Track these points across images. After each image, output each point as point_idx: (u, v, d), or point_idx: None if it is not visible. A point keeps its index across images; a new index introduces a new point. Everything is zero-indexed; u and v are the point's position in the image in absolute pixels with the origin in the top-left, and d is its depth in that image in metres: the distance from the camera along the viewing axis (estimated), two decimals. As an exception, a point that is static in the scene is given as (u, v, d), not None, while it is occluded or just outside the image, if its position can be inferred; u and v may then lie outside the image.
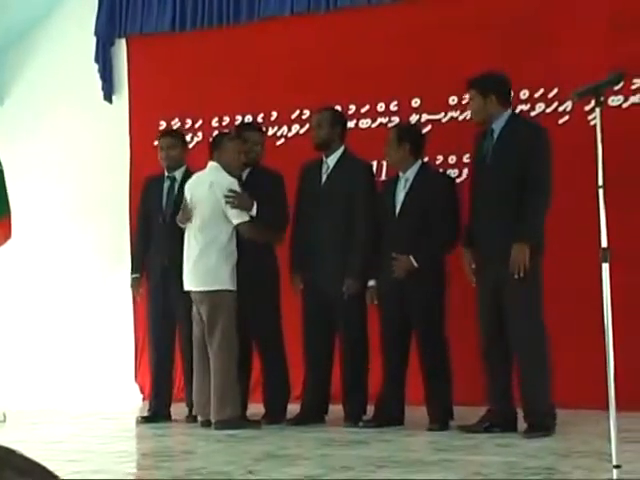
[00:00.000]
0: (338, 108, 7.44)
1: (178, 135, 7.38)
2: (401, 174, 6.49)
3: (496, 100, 6.02)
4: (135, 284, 7.24)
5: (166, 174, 7.15)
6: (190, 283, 6.57)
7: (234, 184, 6.55)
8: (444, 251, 6.37)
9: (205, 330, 6.51)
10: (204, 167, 6.92)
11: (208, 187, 6.53)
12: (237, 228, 6.51)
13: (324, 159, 6.73)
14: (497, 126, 6.02)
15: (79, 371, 8.95)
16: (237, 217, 6.49)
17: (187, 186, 6.73)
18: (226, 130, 7.75)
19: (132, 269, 7.28)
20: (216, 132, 7.56)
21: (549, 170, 5.86)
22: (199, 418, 6.67)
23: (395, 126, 7.02)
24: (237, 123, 8.09)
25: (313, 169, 6.79)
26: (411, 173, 6.45)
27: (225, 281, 6.47)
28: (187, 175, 7.02)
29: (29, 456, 0.94)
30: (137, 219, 7.48)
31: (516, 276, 5.74)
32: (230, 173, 6.60)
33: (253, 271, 6.63)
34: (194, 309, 6.60)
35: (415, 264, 6.29)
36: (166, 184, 7.12)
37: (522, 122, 6.19)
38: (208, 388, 6.48)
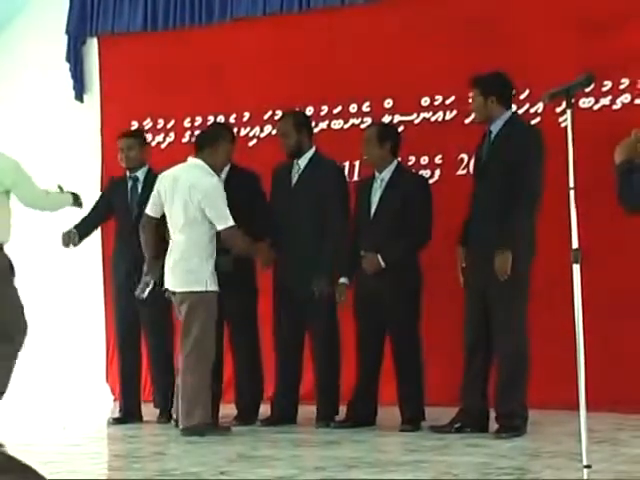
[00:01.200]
0: (309, 110, 7.47)
1: (136, 135, 7.33)
2: (377, 174, 6.51)
3: (497, 101, 6.05)
4: (67, 236, 7.02)
5: (128, 174, 7.14)
6: (171, 284, 6.45)
7: (215, 186, 6.36)
8: (416, 250, 6.39)
9: (182, 330, 6.41)
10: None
11: (187, 190, 6.36)
12: (220, 234, 6.34)
13: (295, 160, 6.73)
14: (495, 128, 6.06)
15: (50, 372, 8.91)
16: (221, 222, 6.31)
17: (160, 181, 6.55)
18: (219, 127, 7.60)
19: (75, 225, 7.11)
20: (207, 127, 7.35)
21: (538, 175, 5.89)
22: (175, 421, 6.53)
23: (374, 125, 6.99)
24: (209, 123, 8.10)
25: (284, 171, 6.79)
26: (387, 173, 6.47)
27: (206, 282, 6.35)
28: (150, 174, 7.04)
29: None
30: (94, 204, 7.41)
31: (501, 279, 5.77)
32: (215, 171, 6.45)
33: (230, 270, 6.60)
34: (176, 311, 6.53)
35: (382, 263, 6.31)
36: (129, 184, 7.12)
37: (517, 124, 6.19)
38: None
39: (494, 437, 5.77)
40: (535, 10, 7.39)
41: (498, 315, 5.88)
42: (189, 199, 6.35)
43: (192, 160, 6.51)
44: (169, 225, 6.49)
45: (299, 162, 6.70)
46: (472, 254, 6.06)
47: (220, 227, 6.31)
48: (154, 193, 6.56)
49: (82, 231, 7.11)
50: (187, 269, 6.35)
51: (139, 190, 7.04)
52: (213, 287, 6.36)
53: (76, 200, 6.53)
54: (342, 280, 6.52)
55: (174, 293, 6.44)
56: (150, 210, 6.58)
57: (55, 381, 8.87)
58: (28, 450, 5.71)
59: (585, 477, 3.89)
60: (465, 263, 6.11)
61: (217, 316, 6.47)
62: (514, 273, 5.79)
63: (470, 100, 6.22)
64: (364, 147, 6.54)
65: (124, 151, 7.12)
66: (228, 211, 6.31)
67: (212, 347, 6.38)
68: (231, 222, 6.30)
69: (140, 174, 7.11)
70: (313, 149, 6.74)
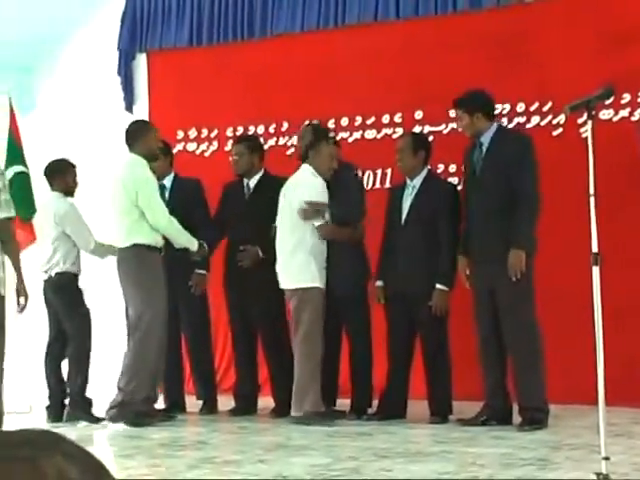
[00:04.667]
0: (345, 120, 7.45)
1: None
2: (409, 181, 6.50)
3: (482, 116, 6.06)
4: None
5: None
6: (282, 281, 6.43)
7: (316, 185, 6.36)
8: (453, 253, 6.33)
9: (292, 326, 6.40)
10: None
11: (293, 188, 6.39)
12: (316, 228, 6.35)
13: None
14: (485, 139, 6.07)
15: (96, 365, 8.94)
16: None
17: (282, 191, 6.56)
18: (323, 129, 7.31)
19: None
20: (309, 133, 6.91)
21: (537, 178, 5.91)
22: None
23: (408, 134, 6.91)
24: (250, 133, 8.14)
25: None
26: (418, 180, 6.46)
27: (312, 278, 6.29)
28: (176, 182, 7.09)
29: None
30: None
31: (514, 279, 5.76)
32: (321, 175, 6.42)
33: (266, 273, 6.61)
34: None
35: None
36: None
37: (508, 133, 6.29)
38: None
39: (517, 430, 5.74)
40: (557, 25, 7.35)
41: (507, 314, 5.87)
42: (293, 197, 6.34)
43: (302, 166, 6.50)
44: (278, 227, 6.47)
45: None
46: (476, 258, 6.05)
47: (316, 223, 6.31)
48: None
49: None
50: (293, 267, 6.33)
51: (166, 197, 7.07)
52: (319, 284, 6.31)
53: (200, 248, 6.69)
54: (378, 283, 6.52)
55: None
56: (277, 221, 6.56)
57: (101, 372, 8.91)
58: (80, 436, 5.76)
59: (603, 468, 3.86)
60: (469, 270, 6.10)
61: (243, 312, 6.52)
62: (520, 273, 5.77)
63: (457, 121, 6.22)
64: (398, 155, 6.52)
65: None
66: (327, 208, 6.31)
67: (320, 340, 6.28)
68: (325, 218, 6.30)
69: (167, 182, 7.15)
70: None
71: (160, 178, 7.10)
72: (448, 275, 6.28)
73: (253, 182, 7.01)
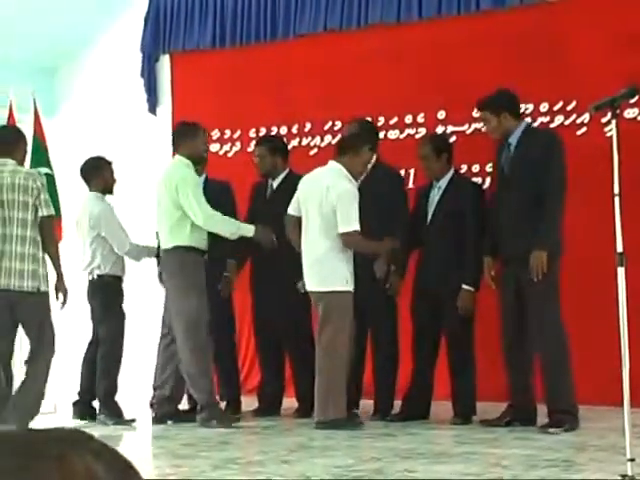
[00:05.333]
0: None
1: None
2: (435, 182, 6.49)
3: (509, 116, 6.02)
4: None
5: None
6: (309, 283, 6.27)
7: (350, 190, 6.15)
8: (478, 250, 6.28)
9: (318, 328, 6.28)
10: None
11: (325, 191, 6.17)
12: (341, 236, 6.14)
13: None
14: (513, 139, 6.04)
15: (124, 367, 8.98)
16: (343, 225, 6.12)
17: (302, 183, 6.41)
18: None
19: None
20: (347, 133, 6.88)
21: (562, 178, 5.86)
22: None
23: (426, 140, 6.78)
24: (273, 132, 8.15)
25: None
26: (444, 181, 6.45)
27: (342, 282, 6.15)
28: (207, 183, 7.08)
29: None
30: None
31: (535, 279, 5.74)
32: (353, 176, 6.26)
33: (291, 273, 6.60)
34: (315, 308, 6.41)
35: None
36: None
37: (536, 132, 6.23)
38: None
39: (542, 431, 5.72)
40: (581, 24, 7.32)
41: (534, 316, 5.85)
42: (325, 200, 6.18)
43: (332, 163, 6.33)
44: (304, 225, 6.33)
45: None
46: (503, 256, 6.04)
47: (341, 230, 6.11)
48: (296, 194, 6.42)
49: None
50: (323, 269, 6.17)
51: None
52: (348, 287, 6.16)
53: (257, 230, 6.53)
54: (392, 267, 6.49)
55: (311, 292, 6.28)
56: (292, 209, 6.40)
57: (128, 373, 8.95)
58: (105, 436, 5.78)
59: (629, 470, 3.84)
60: (494, 271, 6.09)
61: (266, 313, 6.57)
62: (546, 272, 5.75)
63: (485, 124, 6.18)
64: (422, 162, 6.49)
65: None
66: (356, 217, 6.09)
67: (347, 345, 6.14)
68: (352, 227, 6.08)
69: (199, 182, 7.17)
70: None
71: None
72: (474, 276, 6.27)
73: (277, 182, 7.05)
